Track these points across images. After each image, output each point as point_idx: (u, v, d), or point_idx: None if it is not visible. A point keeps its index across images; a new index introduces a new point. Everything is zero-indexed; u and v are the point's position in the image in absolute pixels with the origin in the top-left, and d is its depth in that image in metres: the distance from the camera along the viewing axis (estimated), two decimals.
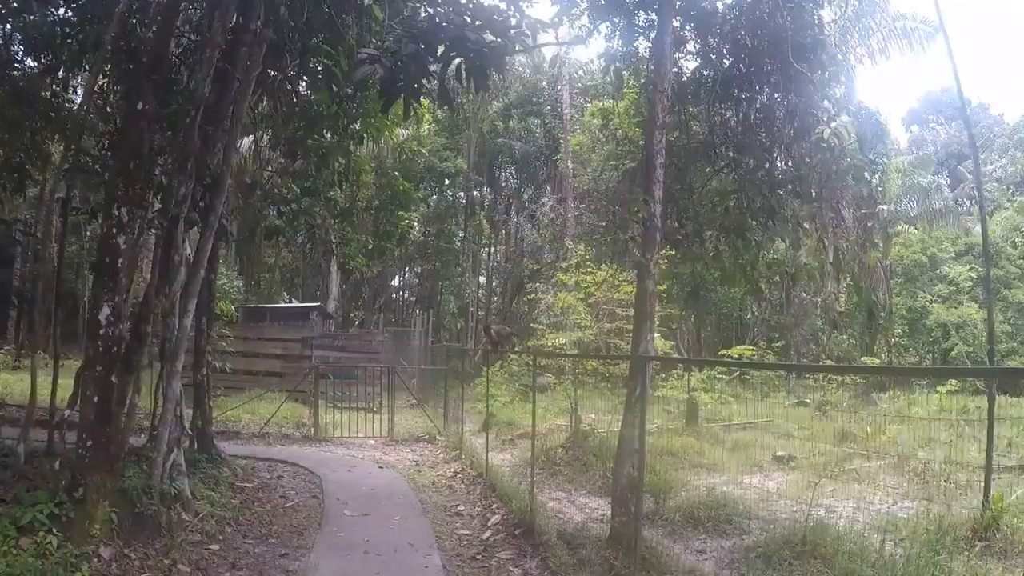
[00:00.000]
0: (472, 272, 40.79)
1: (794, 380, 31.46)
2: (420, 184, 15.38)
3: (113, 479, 6.73)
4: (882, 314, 32.76)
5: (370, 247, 15.29)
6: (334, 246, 12.96)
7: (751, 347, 21.50)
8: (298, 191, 10.75)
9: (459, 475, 12.35)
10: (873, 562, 7.64)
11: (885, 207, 31.65)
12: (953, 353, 35.55)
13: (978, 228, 40.10)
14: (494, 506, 9.96)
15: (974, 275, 37.50)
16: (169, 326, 7.65)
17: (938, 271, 39.76)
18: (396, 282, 48.31)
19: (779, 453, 14.73)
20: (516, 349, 14.83)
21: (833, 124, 9.74)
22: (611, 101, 33.58)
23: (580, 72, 39.73)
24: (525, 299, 44.55)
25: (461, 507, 10.09)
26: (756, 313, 40.71)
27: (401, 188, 12.67)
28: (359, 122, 12.07)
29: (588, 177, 33.05)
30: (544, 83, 39.48)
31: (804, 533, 8.18)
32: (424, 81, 7.03)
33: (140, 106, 7.12)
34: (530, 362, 21.27)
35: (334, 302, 33.49)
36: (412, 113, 7.47)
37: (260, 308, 26.86)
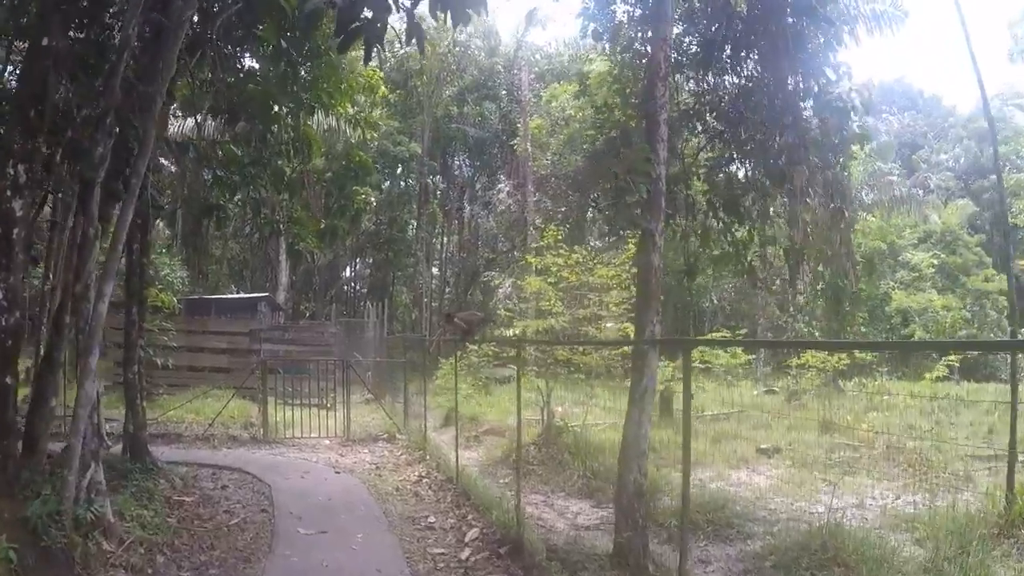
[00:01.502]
0: (426, 262, 39.46)
1: (761, 369, 31.01)
2: (372, 168, 14.21)
3: (12, 506, 5.43)
4: (848, 299, 32.30)
5: (321, 226, 13.86)
6: (281, 226, 11.59)
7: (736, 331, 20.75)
8: (239, 154, 9.39)
9: (425, 479, 11.18)
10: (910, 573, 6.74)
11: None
12: (914, 339, 35.38)
13: (935, 217, 40.31)
14: (470, 517, 8.80)
15: (936, 262, 37.52)
16: (83, 314, 6.33)
17: (899, 258, 39.63)
18: (347, 273, 46.82)
19: (763, 445, 13.98)
20: (476, 339, 13.69)
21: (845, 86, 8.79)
22: (570, 83, 32.81)
23: (537, 56, 38.66)
24: (479, 288, 43.91)
25: (432, 519, 8.90)
26: (715, 301, 40.23)
27: (357, 159, 11.31)
28: (309, 92, 10.79)
29: (547, 162, 32.11)
30: (500, 66, 38.22)
31: (823, 537, 7.22)
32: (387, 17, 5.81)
33: (46, 42, 5.81)
34: (490, 352, 20.37)
35: (284, 293, 31.98)
36: (375, 56, 6.26)
37: (204, 299, 25.27)
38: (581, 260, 13.67)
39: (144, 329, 10.22)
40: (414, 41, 5.89)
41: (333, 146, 13.81)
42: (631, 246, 14.20)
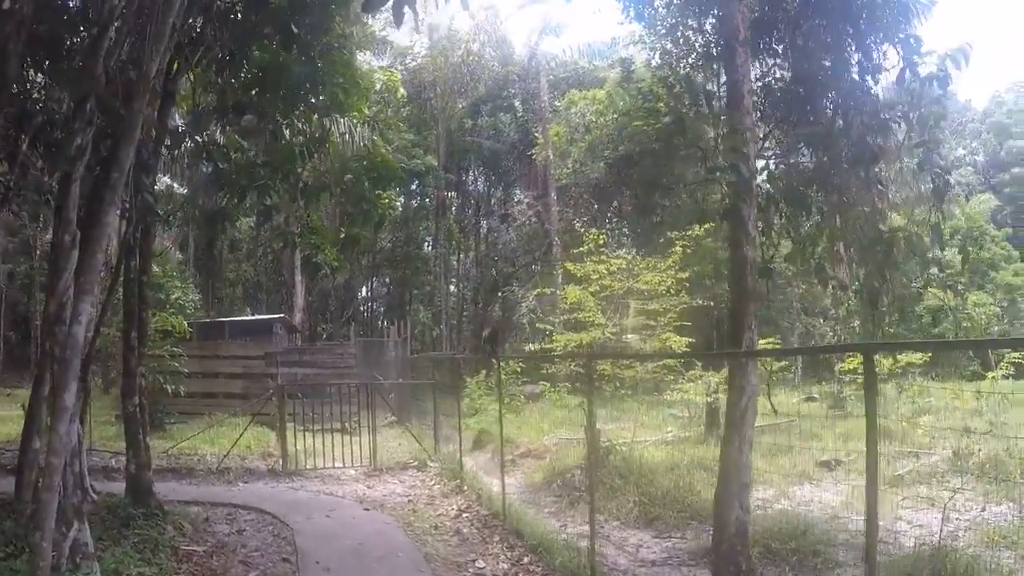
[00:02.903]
0: (444, 278, 38.31)
1: (800, 375, 29.66)
2: (397, 169, 13.25)
3: None
4: (886, 299, 30.81)
5: (341, 236, 12.66)
6: (296, 238, 10.44)
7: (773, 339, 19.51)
8: (243, 144, 8.22)
9: (466, 514, 9.93)
10: None
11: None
12: (947, 339, 34.03)
13: (956, 212, 38.93)
14: (526, 561, 7.56)
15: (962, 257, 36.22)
16: (58, 339, 5.15)
17: (929, 255, 38.19)
18: (364, 292, 45.72)
19: (823, 457, 12.72)
20: (505, 356, 12.52)
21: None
22: (592, 91, 31.68)
23: (552, 64, 37.54)
24: (498, 303, 42.72)
25: (481, 564, 7.66)
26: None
27: (380, 159, 10.14)
28: (324, 85, 9.65)
29: (568, 170, 30.95)
30: (515, 75, 37.13)
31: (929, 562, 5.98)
32: None
33: (6, 4, 4.69)
34: (518, 369, 19.16)
35: (300, 314, 30.87)
36: (405, 19, 5.10)
37: (217, 322, 24.23)
38: (625, 266, 12.45)
39: (144, 355, 9.02)
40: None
41: (349, 150, 12.69)
42: (677, 249, 13.01)
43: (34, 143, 5.70)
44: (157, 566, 6.89)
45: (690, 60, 12.72)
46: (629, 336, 12.32)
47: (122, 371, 8.83)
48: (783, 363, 23.56)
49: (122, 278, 8.82)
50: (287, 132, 9.30)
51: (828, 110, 9.02)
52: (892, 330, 36.23)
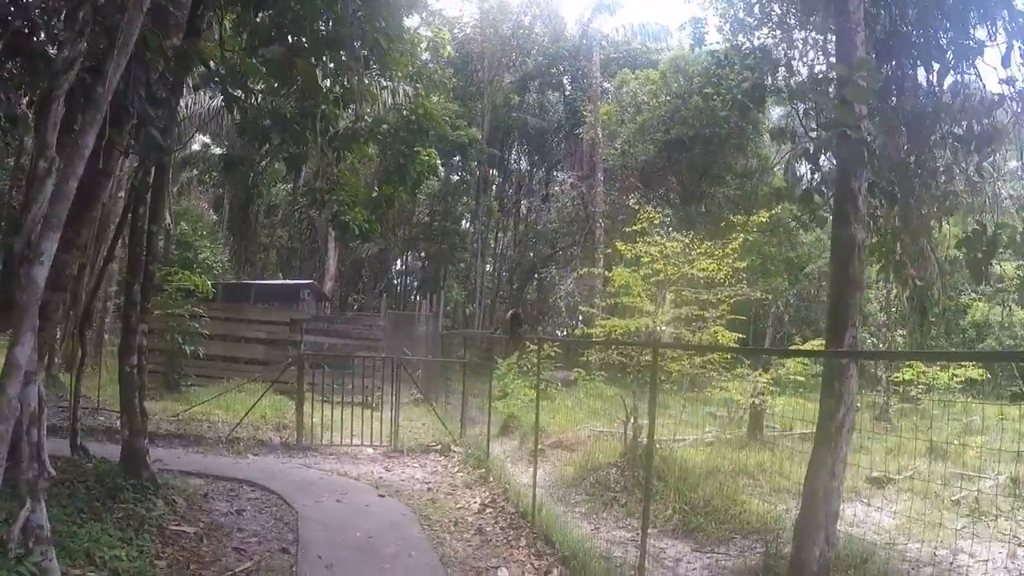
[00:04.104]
0: (480, 255, 37.36)
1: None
2: (440, 121, 12.08)
3: None
4: (935, 310, 29.34)
5: (374, 195, 11.67)
6: (324, 194, 9.48)
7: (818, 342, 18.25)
8: (263, 71, 7.22)
9: (490, 508, 9.01)
10: None
11: None
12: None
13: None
14: (555, 574, 6.61)
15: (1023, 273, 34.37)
16: (20, 280, 4.28)
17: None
18: (398, 266, 44.98)
19: (873, 473, 11.66)
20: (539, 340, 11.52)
21: None
22: (645, 71, 30.49)
23: (604, 43, 36.22)
24: (534, 285, 41.79)
25: (504, 574, 6.73)
26: (780, 307, 37.49)
27: (422, 110, 9.10)
28: (361, 33, 8.66)
29: (615, 150, 29.86)
30: (565, 51, 35.91)
31: None
32: None
33: None
34: (553, 355, 18.18)
35: (331, 283, 30.17)
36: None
37: (243, 284, 23.54)
38: (680, 250, 11.38)
39: (148, 311, 8.17)
40: None
41: (389, 100, 11.69)
42: (738, 235, 11.95)
43: (11, 51, 4.83)
44: (137, 548, 6.07)
45: (764, 31, 11.72)
46: (675, 326, 11.27)
47: (122, 328, 8.00)
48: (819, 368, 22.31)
49: (129, 227, 7.99)
50: (320, 76, 8.36)
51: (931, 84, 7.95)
52: (933, 343, 34.82)
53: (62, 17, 4.97)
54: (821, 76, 6.18)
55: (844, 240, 4.95)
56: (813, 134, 6.79)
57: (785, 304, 37.39)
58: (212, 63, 6.38)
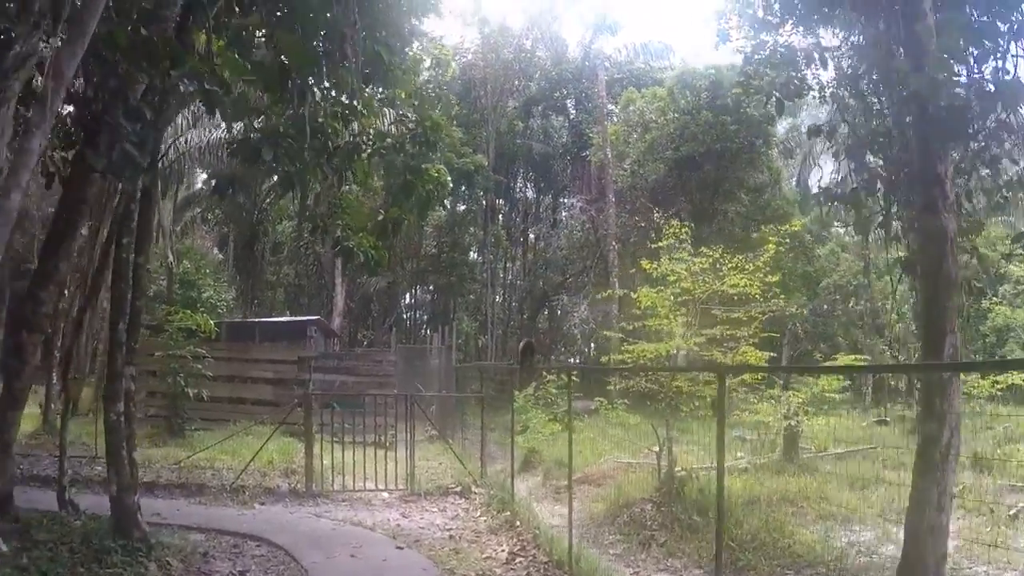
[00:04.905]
0: (490, 286, 36.68)
1: (870, 396, 27.60)
2: (450, 131, 11.41)
3: None
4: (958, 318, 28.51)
5: (379, 218, 10.95)
6: (324, 219, 8.78)
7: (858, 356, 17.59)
8: (247, 67, 6.49)
9: (520, 558, 8.14)
10: None
11: None
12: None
13: None
14: None
15: None
16: None
17: (1002, 270, 35.72)
18: (407, 300, 44.35)
19: None
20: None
21: None
22: (651, 88, 29.97)
23: (607, 64, 35.78)
24: (546, 314, 41.06)
25: None
26: (796, 323, 36.67)
27: (429, 122, 8.42)
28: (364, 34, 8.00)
29: (624, 170, 29.23)
30: (568, 73, 35.48)
31: None
32: None
33: None
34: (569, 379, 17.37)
35: (339, 319, 29.50)
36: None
37: (247, 323, 22.87)
38: (708, 266, 10.62)
39: (134, 353, 7.39)
40: None
41: (391, 115, 11.05)
42: (770, 247, 11.20)
43: None
44: None
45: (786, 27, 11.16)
46: (706, 348, 10.49)
47: (105, 373, 7.25)
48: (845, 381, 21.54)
49: (112, 259, 7.27)
50: (315, 90, 7.68)
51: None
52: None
53: (12, 6, 4.28)
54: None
55: (934, 233, 4.15)
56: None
57: (801, 320, 36.59)
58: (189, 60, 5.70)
